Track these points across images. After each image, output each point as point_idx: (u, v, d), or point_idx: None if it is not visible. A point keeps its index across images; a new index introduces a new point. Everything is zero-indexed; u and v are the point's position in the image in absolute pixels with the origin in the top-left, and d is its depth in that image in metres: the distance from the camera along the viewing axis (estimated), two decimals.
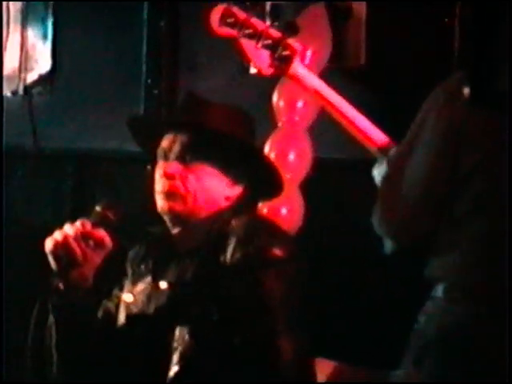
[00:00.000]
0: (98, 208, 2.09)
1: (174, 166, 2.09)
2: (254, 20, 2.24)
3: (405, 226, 2.08)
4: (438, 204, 2.04)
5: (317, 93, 2.31)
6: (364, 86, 3.23)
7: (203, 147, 2.08)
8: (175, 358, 1.99)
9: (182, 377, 1.99)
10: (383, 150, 2.23)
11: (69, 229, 2.04)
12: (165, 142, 2.13)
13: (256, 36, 2.24)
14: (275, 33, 2.26)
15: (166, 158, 2.11)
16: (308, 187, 3.07)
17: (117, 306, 2.15)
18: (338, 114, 2.29)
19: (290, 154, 3.04)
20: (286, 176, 2.97)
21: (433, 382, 2.01)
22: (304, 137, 3.08)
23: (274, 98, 3.10)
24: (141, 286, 2.13)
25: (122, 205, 2.15)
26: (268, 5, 3.27)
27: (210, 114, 2.13)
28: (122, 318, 2.13)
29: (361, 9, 3.25)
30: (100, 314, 2.14)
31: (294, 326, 1.98)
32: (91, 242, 2.05)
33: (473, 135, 1.99)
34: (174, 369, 2.00)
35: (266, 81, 3.19)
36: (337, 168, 3.22)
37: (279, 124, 3.11)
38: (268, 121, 3.10)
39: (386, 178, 2.13)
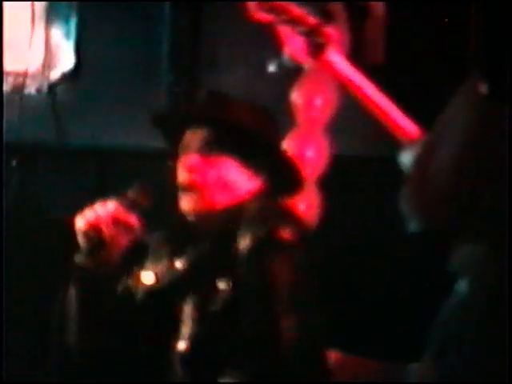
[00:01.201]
0: (130, 192, 2.13)
1: (194, 159, 2.12)
2: (291, 6, 2.24)
3: (431, 208, 2.07)
4: (464, 194, 2.03)
5: (350, 81, 2.31)
6: (383, 84, 3.25)
7: (223, 141, 2.11)
8: (184, 334, 2.03)
9: (189, 353, 2.02)
10: (414, 140, 2.25)
11: (101, 210, 2.09)
12: (186, 137, 2.16)
13: (292, 22, 2.25)
14: (311, 19, 2.25)
15: (186, 151, 2.14)
16: (325, 183, 3.10)
17: (135, 285, 2.17)
18: (371, 104, 2.29)
19: (307, 151, 3.07)
20: (304, 172, 3.02)
21: (431, 382, 2.01)
22: (322, 134, 3.11)
23: (293, 95, 3.13)
24: (159, 267, 2.17)
25: (154, 191, 2.18)
26: None
27: (230, 108, 2.15)
28: (140, 294, 2.16)
29: (379, 7, 3.28)
30: (119, 290, 2.16)
31: (300, 309, 1.99)
32: (121, 225, 2.10)
33: (502, 131, 1.99)
34: (181, 344, 2.04)
35: (285, 79, 3.23)
36: (353, 165, 3.25)
37: (297, 122, 3.14)
38: (287, 118, 3.13)
39: (417, 161, 2.12)
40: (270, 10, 2.23)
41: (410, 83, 3.19)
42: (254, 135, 2.13)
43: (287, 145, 3.06)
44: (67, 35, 4.21)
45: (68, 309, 2.12)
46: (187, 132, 2.17)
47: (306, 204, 3.02)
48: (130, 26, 4.05)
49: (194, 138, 2.14)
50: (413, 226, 2.12)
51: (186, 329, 2.04)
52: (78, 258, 2.11)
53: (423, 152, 2.11)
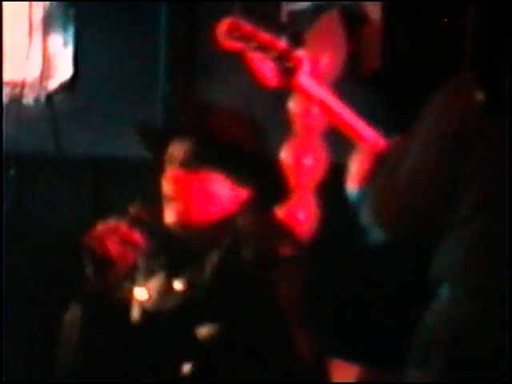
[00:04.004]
0: (131, 210, 2.13)
1: (178, 172, 2.13)
2: (260, 32, 2.26)
3: (400, 219, 2.10)
4: (434, 203, 2.06)
5: (322, 104, 2.35)
6: (380, 92, 3.26)
7: (207, 153, 2.12)
8: (188, 356, 2.04)
9: (195, 376, 2.02)
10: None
11: (106, 229, 2.09)
12: (171, 149, 2.17)
13: (262, 48, 2.27)
14: (281, 45, 2.28)
15: (171, 163, 2.16)
16: (324, 192, 3.11)
17: (129, 299, 2.17)
18: (344, 126, 2.33)
19: (305, 159, 3.08)
20: (302, 181, 3.03)
21: (433, 382, 2.03)
22: (319, 142, 3.13)
23: (290, 104, 3.14)
24: (154, 283, 2.17)
25: (155, 205, 2.19)
26: (284, 14, 3.31)
27: (215, 120, 2.17)
28: (135, 313, 2.16)
29: (376, 14, 3.29)
30: (115, 305, 2.15)
31: (308, 327, 2.02)
32: (127, 243, 2.10)
33: (475, 136, 2.02)
34: (186, 367, 2.04)
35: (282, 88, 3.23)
36: None
37: (295, 130, 3.15)
38: (284, 127, 3.14)
39: (384, 169, 2.15)
40: (240, 38, 2.25)
41: (407, 90, 3.20)
42: (238, 146, 2.14)
43: (285, 153, 3.08)
44: (65, 45, 4.23)
45: (71, 328, 2.12)
46: (172, 144, 2.18)
47: (305, 213, 3.04)
48: (127, 35, 4.07)
49: (178, 150, 2.15)
50: (377, 237, 2.14)
51: (191, 351, 2.03)
52: (85, 279, 2.10)
53: (392, 159, 2.13)
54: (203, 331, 2.03)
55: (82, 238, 2.09)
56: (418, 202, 2.07)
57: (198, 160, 2.12)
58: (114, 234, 2.08)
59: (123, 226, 2.10)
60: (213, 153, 2.12)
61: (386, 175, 2.13)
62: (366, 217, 2.14)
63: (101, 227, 2.09)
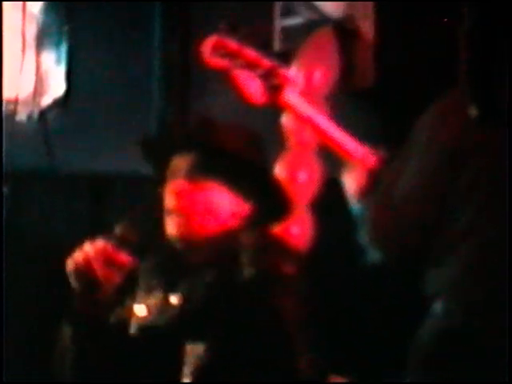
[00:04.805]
0: (117, 230, 2.11)
1: (181, 185, 2.13)
2: (246, 50, 2.25)
3: (396, 237, 2.11)
4: (430, 220, 2.06)
5: (310, 121, 2.36)
6: (373, 108, 3.27)
7: (211, 166, 2.12)
8: (186, 370, 2.03)
9: None
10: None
11: (92, 250, 2.06)
12: (174, 162, 2.17)
13: (248, 66, 2.27)
14: (267, 62, 2.27)
15: (174, 176, 2.16)
16: (319, 207, 3.11)
17: (128, 316, 2.16)
18: (333, 144, 2.33)
19: (299, 174, 3.09)
20: (296, 196, 3.03)
21: (434, 382, 2.03)
22: (313, 157, 3.13)
23: (284, 119, 3.15)
24: (153, 300, 2.16)
25: (143, 224, 2.18)
26: (277, 30, 3.33)
27: (218, 133, 2.17)
28: (134, 328, 2.14)
29: (368, 29, 3.30)
30: (113, 322, 2.15)
31: (310, 345, 2.02)
32: (113, 264, 2.07)
33: (471, 152, 2.03)
34: (184, 380, 2.03)
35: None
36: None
37: (289, 145, 3.16)
38: (278, 142, 3.14)
39: (378, 189, 2.16)
40: (225, 55, 2.25)
41: (400, 105, 3.21)
42: (241, 160, 2.14)
43: (279, 168, 3.08)
44: (58, 61, 4.24)
45: (63, 349, 2.11)
46: (175, 157, 2.18)
47: (299, 227, 3.04)
48: (120, 51, 4.08)
49: (181, 163, 2.15)
50: (373, 257, 2.14)
51: (189, 366, 2.03)
52: (73, 300, 2.08)
53: (387, 180, 2.14)
54: (200, 347, 2.02)
55: (68, 258, 2.07)
56: (415, 217, 2.07)
57: (202, 172, 2.13)
58: (100, 255, 2.05)
59: (109, 247, 2.07)
60: (217, 166, 2.12)
61: (380, 195, 2.13)
62: (362, 237, 2.15)
63: (87, 248, 2.07)
